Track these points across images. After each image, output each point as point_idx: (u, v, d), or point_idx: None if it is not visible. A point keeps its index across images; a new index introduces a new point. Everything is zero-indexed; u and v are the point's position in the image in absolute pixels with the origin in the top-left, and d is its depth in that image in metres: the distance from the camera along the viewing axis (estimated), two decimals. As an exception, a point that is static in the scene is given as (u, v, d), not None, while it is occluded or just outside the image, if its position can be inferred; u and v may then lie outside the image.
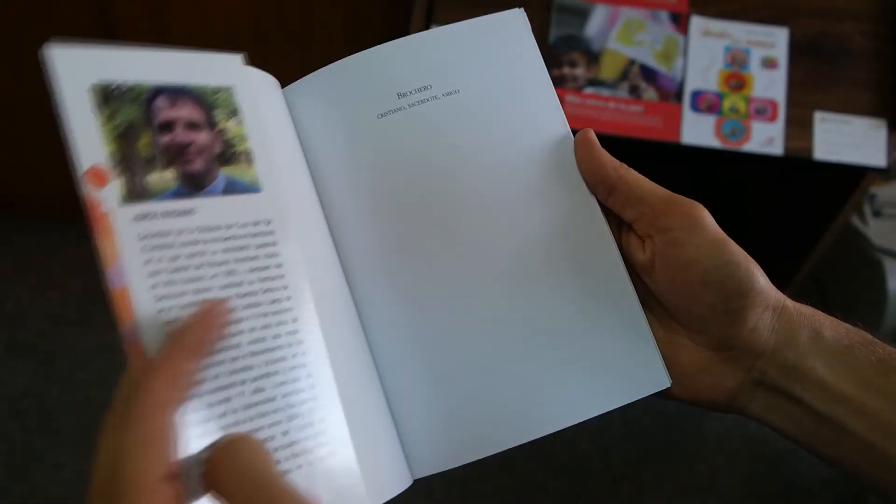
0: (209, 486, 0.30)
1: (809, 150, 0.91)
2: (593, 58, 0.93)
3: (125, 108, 0.33)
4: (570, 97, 0.92)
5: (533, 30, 0.42)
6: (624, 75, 0.93)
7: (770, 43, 0.94)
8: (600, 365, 0.39)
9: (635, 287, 0.40)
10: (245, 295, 0.34)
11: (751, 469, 1.37)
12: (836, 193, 1.00)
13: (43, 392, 1.36)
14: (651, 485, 1.35)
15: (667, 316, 0.40)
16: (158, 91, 0.34)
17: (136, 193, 0.32)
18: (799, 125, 0.92)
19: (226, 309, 0.32)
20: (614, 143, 0.93)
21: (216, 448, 0.30)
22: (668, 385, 0.39)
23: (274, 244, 0.35)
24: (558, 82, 0.92)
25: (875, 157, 0.91)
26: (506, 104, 0.41)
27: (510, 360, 0.39)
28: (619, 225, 0.41)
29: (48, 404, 1.35)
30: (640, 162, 1.11)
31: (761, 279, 0.38)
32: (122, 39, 1.13)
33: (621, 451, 1.37)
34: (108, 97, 0.33)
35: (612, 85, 0.93)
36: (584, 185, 0.40)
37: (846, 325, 0.39)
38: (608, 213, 0.41)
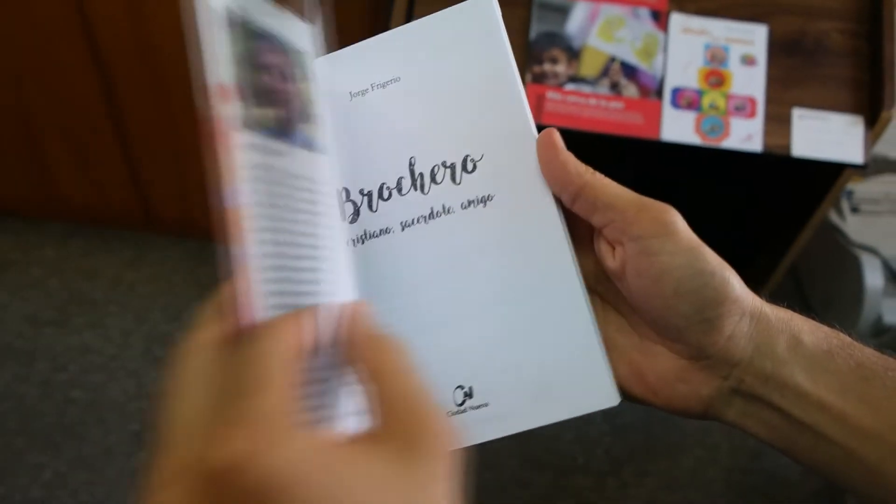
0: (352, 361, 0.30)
1: (788, 146, 0.92)
2: (574, 54, 0.93)
3: (242, 38, 0.32)
4: (550, 94, 0.92)
5: (514, 26, 0.41)
6: (604, 72, 0.93)
7: (749, 40, 0.95)
8: (549, 378, 0.38)
9: (608, 291, 0.39)
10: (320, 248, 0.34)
11: (732, 461, 1.38)
12: (815, 190, 1.01)
13: (22, 393, 1.35)
14: (634, 479, 1.36)
15: (641, 322, 0.39)
16: (262, 34, 0.34)
17: (247, 122, 0.31)
18: (778, 122, 0.93)
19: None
20: (595, 140, 0.93)
21: (372, 337, 0.30)
22: (617, 403, 0.38)
23: (330, 208, 0.36)
24: (539, 79, 0.93)
25: (853, 153, 0.92)
26: (462, 96, 0.39)
27: (460, 369, 0.39)
28: (590, 228, 0.39)
29: (27, 405, 1.34)
30: (620, 158, 1.12)
31: (737, 286, 0.36)
32: (101, 40, 1.12)
33: (604, 446, 1.38)
34: (233, 23, 0.32)
35: (592, 81, 0.93)
36: (545, 192, 0.38)
37: (825, 328, 0.38)
38: (577, 218, 0.38)
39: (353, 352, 0.31)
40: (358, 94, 0.40)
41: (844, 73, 0.95)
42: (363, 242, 0.40)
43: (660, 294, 0.36)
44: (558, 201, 0.38)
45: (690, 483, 1.37)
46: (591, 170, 0.38)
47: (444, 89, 0.39)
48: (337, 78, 0.40)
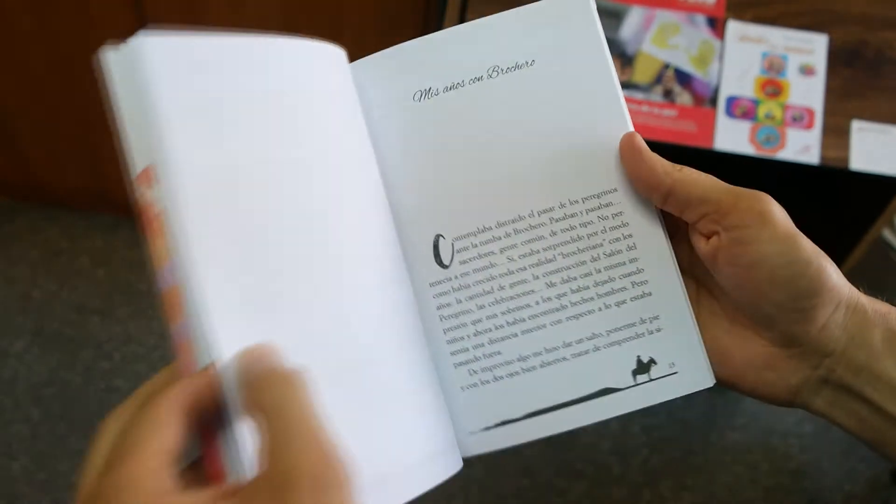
0: (248, 409, 0.29)
1: (846, 159, 0.90)
2: (627, 60, 0.92)
3: None
4: (601, 100, 0.91)
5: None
6: (658, 79, 0.92)
7: (808, 50, 0.92)
8: (650, 362, 0.39)
9: (703, 274, 0.40)
10: None
11: (772, 481, 1.35)
12: (870, 205, 0.98)
13: (66, 380, 1.38)
14: (671, 493, 1.34)
15: (732, 307, 0.38)
16: None
17: None
18: (836, 134, 0.91)
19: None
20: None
21: (260, 372, 0.29)
22: (712, 384, 0.39)
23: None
24: (590, 84, 0.91)
25: (914, 168, 0.89)
26: (562, 88, 0.40)
27: (557, 353, 0.40)
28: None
29: (71, 392, 1.37)
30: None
31: (833, 275, 0.36)
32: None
33: (642, 458, 1.36)
34: None
35: (645, 88, 0.91)
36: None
37: None
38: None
39: (247, 394, 0.30)
40: (443, 90, 0.41)
41: (907, 85, 0.92)
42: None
43: (753, 282, 0.36)
44: None
45: (728, 501, 1.34)
46: (677, 166, 0.38)
47: (538, 77, 0.40)
48: (417, 70, 0.41)
